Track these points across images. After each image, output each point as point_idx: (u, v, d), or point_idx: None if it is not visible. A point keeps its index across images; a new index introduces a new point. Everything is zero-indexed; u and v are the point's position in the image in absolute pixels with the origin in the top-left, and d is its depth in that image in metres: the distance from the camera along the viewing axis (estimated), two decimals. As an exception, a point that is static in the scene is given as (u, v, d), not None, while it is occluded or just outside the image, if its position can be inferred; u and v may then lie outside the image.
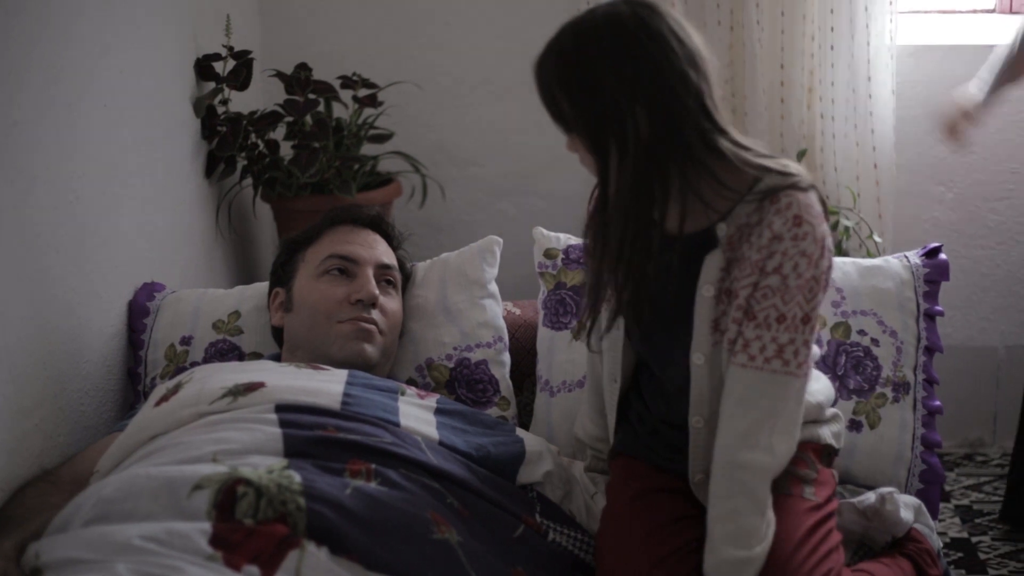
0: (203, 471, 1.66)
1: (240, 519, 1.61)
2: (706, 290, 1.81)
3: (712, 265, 1.81)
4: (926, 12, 3.05)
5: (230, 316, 2.39)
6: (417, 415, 1.97)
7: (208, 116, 2.81)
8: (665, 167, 1.74)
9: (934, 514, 2.17)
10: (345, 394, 1.93)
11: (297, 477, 1.68)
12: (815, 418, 1.97)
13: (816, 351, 2.00)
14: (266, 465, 1.70)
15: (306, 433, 1.80)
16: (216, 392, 1.90)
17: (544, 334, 2.35)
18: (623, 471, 2.01)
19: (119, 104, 2.35)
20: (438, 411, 2.02)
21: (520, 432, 2.09)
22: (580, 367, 2.28)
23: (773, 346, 1.76)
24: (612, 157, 1.75)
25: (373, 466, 1.77)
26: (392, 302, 2.26)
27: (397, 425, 1.91)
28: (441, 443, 1.93)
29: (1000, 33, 3.30)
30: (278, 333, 2.29)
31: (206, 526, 1.59)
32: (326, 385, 1.94)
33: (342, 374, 2.01)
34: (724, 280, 1.81)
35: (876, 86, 3.09)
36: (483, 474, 1.92)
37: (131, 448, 1.86)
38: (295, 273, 2.26)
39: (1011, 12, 3.41)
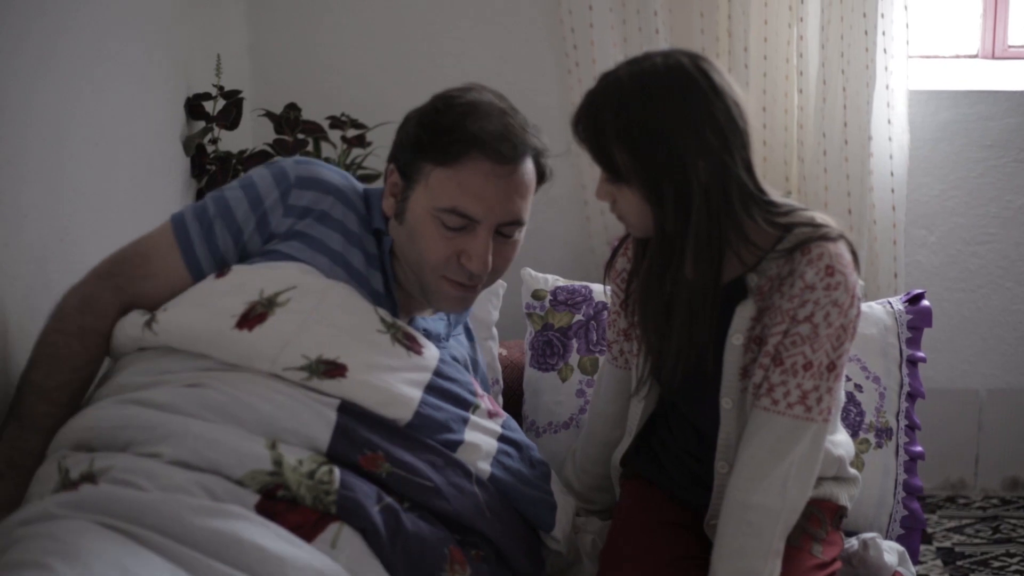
0: (248, 463, 1.70)
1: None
2: (736, 338, 1.83)
3: (743, 315, 1.83)
4: (909, 57, 3.09)
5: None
6: (479, 443, 1.93)
7: (198, 155, 2.82)
8: (717, 219, 1.76)
9: (914, 559, 2.19)
10: (421, 404, 1.88)
11: (337, 480, 1.73)
12: (836, 474, 1.98)
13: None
14: (309, 455, 1.74)
15: (352, 453, 1.79)
16: (296, 360, 1.84)
17: (531, 375, 2.36)
18: (637, 495, 2.01)
19: (109, 143, 2.36)
20: (501, 438, 1.98)
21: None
22: (566, 408, 2.29)
23: (797, 392, 1.78)
24: (668, 209, 1.76)
25: (407, 504, 1.80)
26: (510, 250, 1.97)
27: (453, 450, 1.89)
28: (492, 478, 1.92)
29: (983, 79, 3.34)
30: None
31: (251, 497, 1.68)
32: (405, 389, 1.88)
33: (429, 369, 1.93)
34: (753, 329, 1.83)
35: (856, 130, 3.11)
36: (514, 526, 1.93)
37: (195, 341, 1.86)
38: (414, 182, 1.94)
39: (993, 57, 3.44)
